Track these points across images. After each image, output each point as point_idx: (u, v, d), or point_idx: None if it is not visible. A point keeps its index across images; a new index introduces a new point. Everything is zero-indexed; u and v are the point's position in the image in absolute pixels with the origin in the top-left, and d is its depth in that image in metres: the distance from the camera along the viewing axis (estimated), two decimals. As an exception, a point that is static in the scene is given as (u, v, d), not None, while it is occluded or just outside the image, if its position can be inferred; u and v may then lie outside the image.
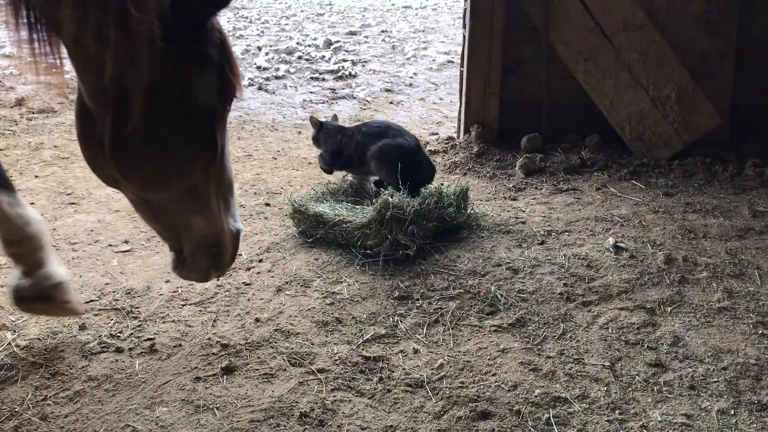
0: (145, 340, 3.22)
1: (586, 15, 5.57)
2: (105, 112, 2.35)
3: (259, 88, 8.19)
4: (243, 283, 3.73)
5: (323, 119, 4.96)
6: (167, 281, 3.76)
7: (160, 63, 2.25)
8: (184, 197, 2.60)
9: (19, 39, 2.25)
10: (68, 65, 2.33)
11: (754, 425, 2.73)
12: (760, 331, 3.34)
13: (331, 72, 8.91)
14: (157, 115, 2.36)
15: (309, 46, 10.51)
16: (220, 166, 2.64)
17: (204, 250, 2.71)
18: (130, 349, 3.16)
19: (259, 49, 10.20)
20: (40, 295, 3.00)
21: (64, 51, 2.30)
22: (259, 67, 9.10)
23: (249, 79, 8.40)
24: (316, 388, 2.90)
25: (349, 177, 4.85)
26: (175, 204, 2.62)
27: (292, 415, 2.74)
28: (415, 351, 3.16)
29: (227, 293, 3.63)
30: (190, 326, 3.34)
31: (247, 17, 13.38)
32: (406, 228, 3.98)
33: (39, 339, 3.22)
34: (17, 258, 3.04)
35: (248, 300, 3.57)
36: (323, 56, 9.77)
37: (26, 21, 2.20)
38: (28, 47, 2.27)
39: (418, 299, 3.58)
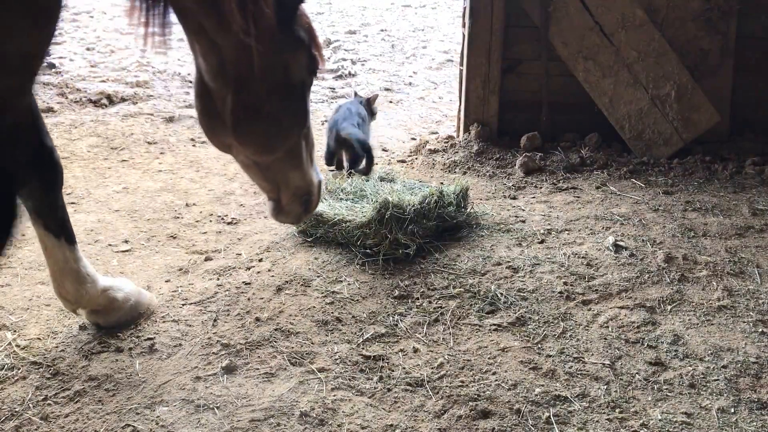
0: (145, 340, 3.22)
1: (585, 14, 5.57)
2: (224, 90, 2.77)
3: (259, 88, 8.18)
4: (243, 282, 3.73)
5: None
6: (167, 281, 3.76)
7: (270, 48, 2.70)
8: (285, 157, 3.09)
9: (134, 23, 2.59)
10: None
11: (754, 423, 2.74)
12: (760, 330, 3.34)
13: (331, 71, 8.90)
14: (267, 92, 2.81)
15: (308, 45, 10.50)
16: (308, 128, 3.15)
17: (298, 199, 3.24)
18: (130, 348, 3.16)
19: (259, 48, 10.17)
20: (131, 322, 3.34)
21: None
22: (258, 67, 9.09)
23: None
24: (317, 387, 2.90)
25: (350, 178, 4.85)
26: (278, 163, 3.09)
27: (293, 414, 2.75)
28: (415, 350, 3.16)
29: (227, 292, 3.63)
30: (190, 326, 3.34)
31: (246, 16, 13.34)
32: (406, 227, 3.98)
33: (39, 339, 3.22)
34: (82, 308, 3.26)
35: (248, 299, 3.57)
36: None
37: (145, 11, 2.57)
38: (142, 31, 2.67)
39: (418, 298, 3.58)
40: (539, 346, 3.20)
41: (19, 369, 3.00)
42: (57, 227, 3.11)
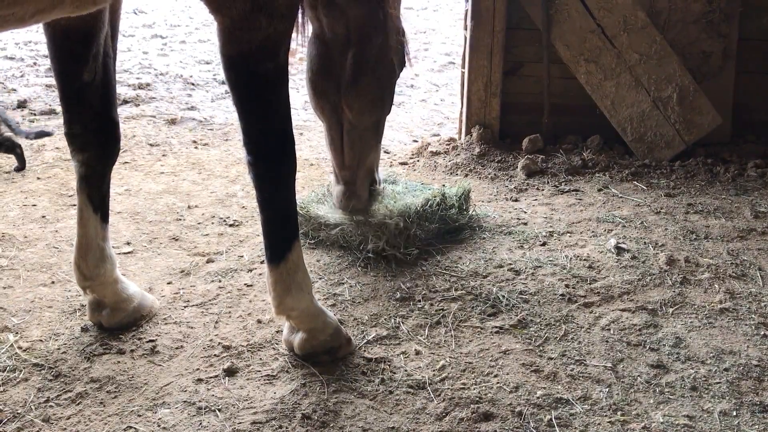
0: (146, 342, 3.22)
1: (587, 16, 5.57)
2: (344, 53, 3.47)
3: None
4: (245, 284, 3.73)
5: None
6: (169, 283, 3.76)
7: (388, 25, 3.48)
8: (374, 130, 3.69)
9: None
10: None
11: (756, 426, 2.73)
12: (762, 332, 3.34)
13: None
14: (379, 59, 3.52)
15: (310, 47, 10.50)
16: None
17: (369, 179, 3.83)
18: (132, 350, 3.16)
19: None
20: (134, 324, 3.32)
21: None
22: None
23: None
24: (318, 389, 2.90)
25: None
26: (368, 132, 3.66)
27: (294, 416, 2.75)
28: (417, 352, 3.16)
29: (229, 294, 3.63)
30: (191, 328, 3.34)
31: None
32: (409, 231, 3.97)
33: (41, 341, 3.22)
34: (92, 290, 3.28)
35: (250, 301, 3.57)
36: (324, 57, 9.75)
37: None
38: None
39: (419, 301, 3.58)
40: (541, 348, 3.20)
41: (21, 371, 3.01)
42: (98, 201, 3.22)
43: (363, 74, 3.46)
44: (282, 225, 2.99)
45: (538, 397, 2.87)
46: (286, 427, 2.69)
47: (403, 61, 3.73)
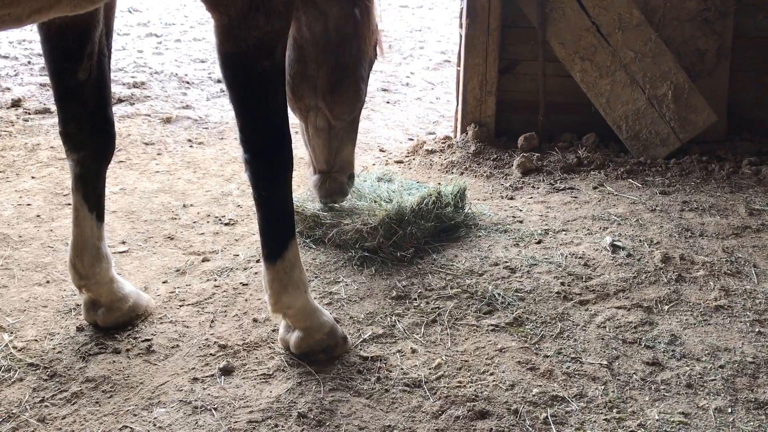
0: (142, 341, 3.21)
1: (582, 14, 5.58)
2: (325, 54, 3.44)
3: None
4: (240, 283, 3.73)
5: None
6: (164, 282, 3.75)
7: (367, 24, 3.46)
8: (350, 128, 3.78)
9: None
10: None
11: (752, 423, 2.74)
12: (757, 329, 3.35)
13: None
14: (361, 59, 3.52)
15: (306, 45, 10.46)
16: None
17: (345, 172, 3.95)
18: (128, 350, 3.16)
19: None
20: (129, 323, 3.32)
21: None
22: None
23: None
24: (314, 388, 2.90)
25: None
26: (344, 131, 3.76)
27: (290, 415, 2.75)
28: (413, 351, 3.16)
29: (225, 293, 3.63)
30: (187, 327, 3.34)
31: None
32: (405, 230, 3.97)
33: (36, 340, 3.21)
34: (87, 289, 3.27)
35: (246, 300, 3.57)
36: (320, 56, 9.72)
37: None
38: None
39: (415, 299, 3.58)
40: (537, 346, 3.21)
41: (16, 371, 3.00)
42: (93, 200, 3.22)
43: (345, 76, 3.49)
44: (279, 223, 2.99)
45: (534, 395, 2.87)
46: (282, 426, 2.69)
47: (375, 56, 3.81)
